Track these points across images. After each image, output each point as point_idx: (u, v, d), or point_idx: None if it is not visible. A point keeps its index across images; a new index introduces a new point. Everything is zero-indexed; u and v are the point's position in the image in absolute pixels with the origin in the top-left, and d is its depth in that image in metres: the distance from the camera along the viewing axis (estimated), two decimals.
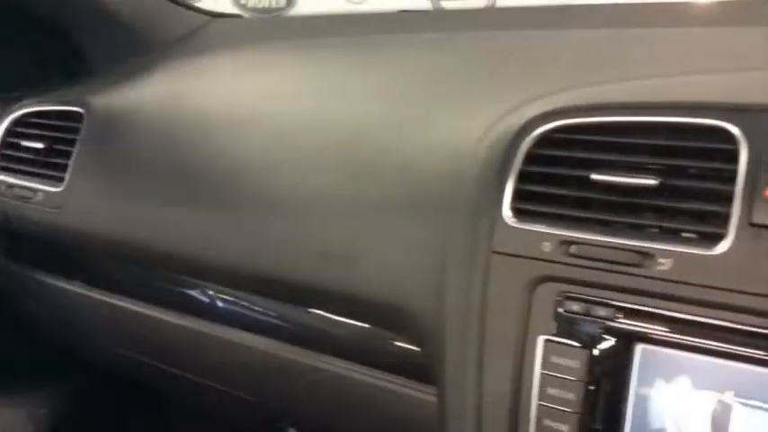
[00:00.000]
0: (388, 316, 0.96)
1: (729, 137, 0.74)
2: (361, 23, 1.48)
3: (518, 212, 0.84)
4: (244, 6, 3.33)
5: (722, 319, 0.72)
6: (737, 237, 0.72)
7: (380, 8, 2.25)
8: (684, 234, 0.76)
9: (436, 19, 1.51)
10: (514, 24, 1.19)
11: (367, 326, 1.03)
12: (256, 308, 1.15)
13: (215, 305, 1.23)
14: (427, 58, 1.14)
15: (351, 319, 1.03)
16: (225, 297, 1.21)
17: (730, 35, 0.94)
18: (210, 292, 1.23)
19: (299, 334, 1.10)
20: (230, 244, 1.12)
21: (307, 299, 1.05)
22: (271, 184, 1.10)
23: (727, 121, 0.74)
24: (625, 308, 0.77)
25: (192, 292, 1.26)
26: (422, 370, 0.95)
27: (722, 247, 0.72)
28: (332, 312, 1.05)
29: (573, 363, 0.79)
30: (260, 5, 3.38)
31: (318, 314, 1.07)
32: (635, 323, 0.77)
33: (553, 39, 1.07)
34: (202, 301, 1.25)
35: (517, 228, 0.83)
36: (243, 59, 1.36)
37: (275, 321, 1.14)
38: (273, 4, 3.38)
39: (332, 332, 1.08)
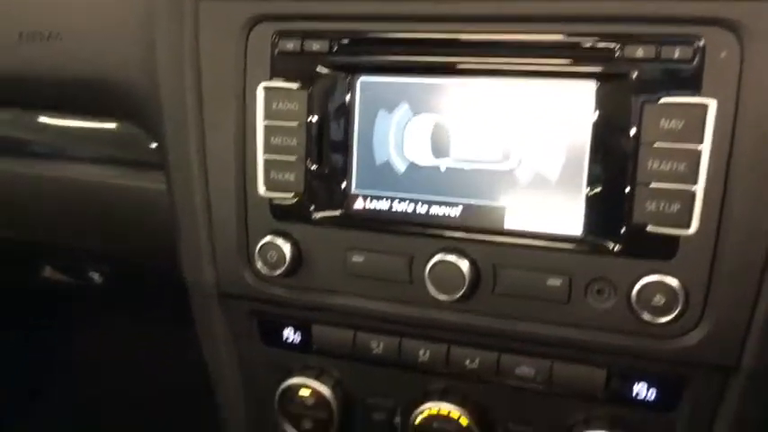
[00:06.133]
0: (103, 96, 0.85)
1: None
2: None
3: None
4: None
5: (436, 31, 0.69)
6: None
7: None
8: None
9: None
10: None
11: (93, 123, 0.93)
12: None
13: None
14: None
15: (69, 112, 0.92)
16: None
17: None
18: None
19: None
20: None
21: (15, 91, 0.92)
22: None
23: None
24: (341, 38, 0.72)
25: None
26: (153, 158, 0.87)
27: None
28: (50, 107, 0.93)
29: (293, 105, 0.74)
30: None
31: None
32: (353, 53, 0.72)
33: None
34: None
35: None
36: None
37: None
38: None
39: (52, 131, 0.97)
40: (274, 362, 0.82)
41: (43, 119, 0.98)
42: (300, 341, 0.80)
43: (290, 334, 0.81)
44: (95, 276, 1.11)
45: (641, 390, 0.68)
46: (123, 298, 1.43)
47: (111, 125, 0.95)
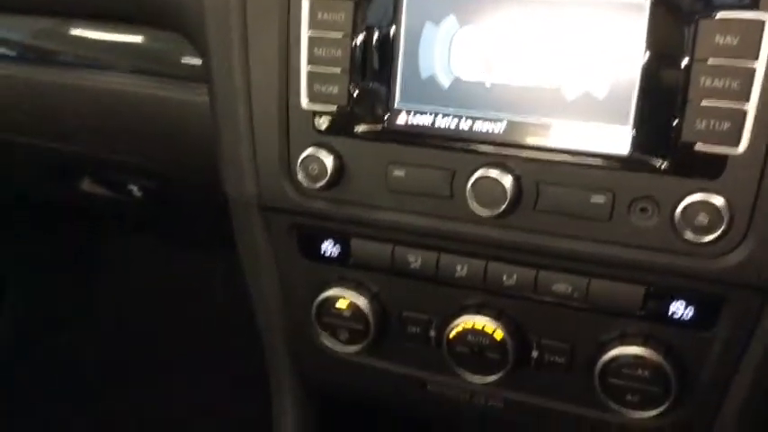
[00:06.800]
0: (145, 5, 0.85)
1: None
2: None
3: None
4: None
5: None
6: None
7: None
8: None
9: None
10: None
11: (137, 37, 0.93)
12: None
13: None
14: None
15: (108, 21, 0.92)
16: None
17: None
18: None
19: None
20: None
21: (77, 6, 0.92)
22: None
23: None
24: None
25: None
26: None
27: None
28: (88, 15, 0.93)
29: (338, 16, 0.73)
30: None
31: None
32: None
33: None
34: None
35: None
36: None
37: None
38: None
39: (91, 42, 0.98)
40: (313, 275, 0.83)
41: (81, 29, 0.98)
42: (339, 254, 0.81)
43: (328, 247, 0.82)
44: (135, 190, 1.13)
45: (678, 308, 0.69)
46: (161, 219, 1.45)
47: (149, 37, 0.95)
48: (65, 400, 1.76)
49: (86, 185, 1.18)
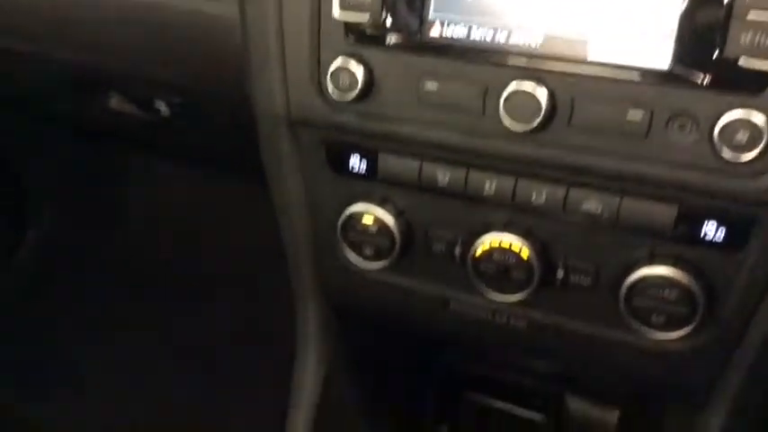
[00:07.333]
0: None
1: None
2: None
3: None
4: None
5: None
6: None
7: None
8: None
9: None
10: None
11: None
12: None
13: None
14: None
15: None
16: None
17: None
18: None
19: None
20: None
21: None
22: None
23: None
24: None
25: None
26: None
27: None
28: None
29: None
30: None
31: None
32: None
33: None
34: None
35: None
36: None
37: None
38: None
39: None
40: (340, 190, 0.83)
41: None
42: (367, 169, 0.81)
43: (356, 161, 0.81)
44: (162, 107, 1.12)
45: (710, 228, 0.68)
46: (188, 143, 1.45)
47: None
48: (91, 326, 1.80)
49: (114, 103, 1.18)
